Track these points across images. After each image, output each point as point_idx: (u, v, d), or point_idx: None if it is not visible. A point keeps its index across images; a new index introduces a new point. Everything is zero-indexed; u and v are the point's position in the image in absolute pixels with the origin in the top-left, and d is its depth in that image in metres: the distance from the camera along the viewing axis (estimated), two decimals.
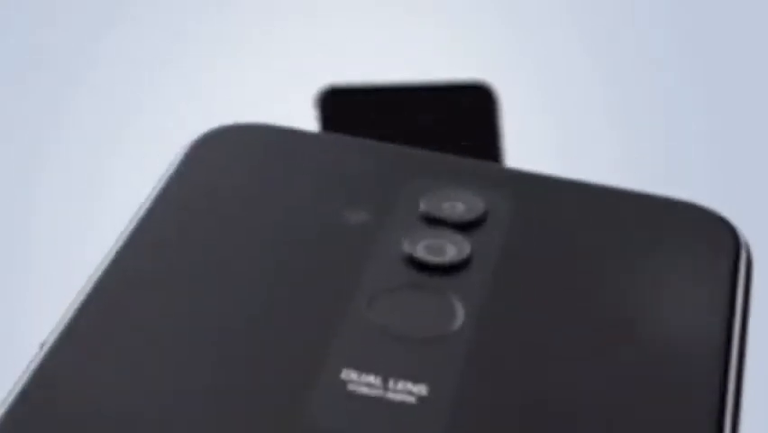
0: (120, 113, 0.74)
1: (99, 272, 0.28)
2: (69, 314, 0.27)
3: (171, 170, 0.32)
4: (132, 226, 0.30)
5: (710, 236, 0.31)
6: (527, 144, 0.70)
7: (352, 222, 0.30)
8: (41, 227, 0.72)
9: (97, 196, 0.73)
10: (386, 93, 0.52)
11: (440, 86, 0.52)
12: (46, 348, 0.26)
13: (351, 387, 0.26)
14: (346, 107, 0.50)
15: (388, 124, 0.51)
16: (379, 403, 0.25)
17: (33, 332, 0.71)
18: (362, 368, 0.26)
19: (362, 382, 0.26)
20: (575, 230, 0.31)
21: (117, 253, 0.29)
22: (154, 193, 0.31)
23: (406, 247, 0.30)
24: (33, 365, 0.26)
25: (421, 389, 0.26)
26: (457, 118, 0.53)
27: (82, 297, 0.28)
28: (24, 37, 0.74)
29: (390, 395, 0.26)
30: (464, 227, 0.30)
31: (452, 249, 0.30)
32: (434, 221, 0.31)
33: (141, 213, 0.30)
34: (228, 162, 0.33)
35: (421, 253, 0.29)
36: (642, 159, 0.76)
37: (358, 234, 0.30)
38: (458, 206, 0.31)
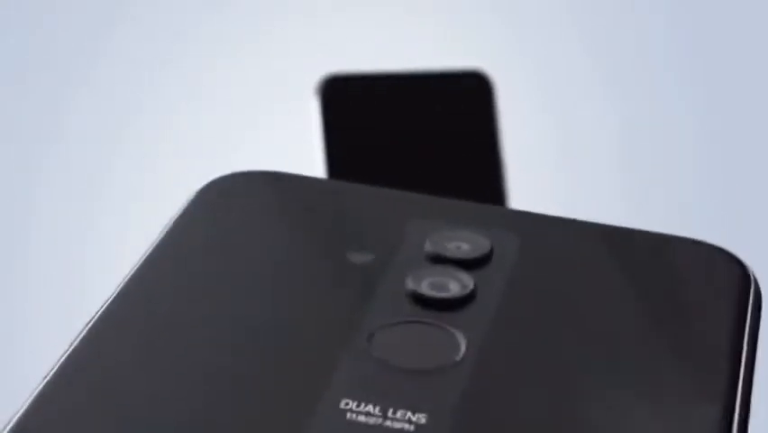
0: (120, 113, 0.74)
1: (96, 317, 0.29)
2: (62, 358, 0.27)
3: (177, 215, 0.32)
4: (134, 271, 0.30)
5: (720, 276, 0.31)
6: (525, 132, 0.70)
7: (357, 262, 0.31)
8: (41, 228, 0.72)
9: (97, 196, 0.73)
10: (385, 80, 0.52)
11: (438, 73, 0.53)
12: (37, 390, 0.26)
13: (350, 415, 0.26)
14: (347, 95, 0.51)
15: (388, 110, 0.52)
16: (378, 431, 0.26)
17: (34, 332, 0.71)
18: (362, 397, 0.26)
19: (361, 411, 0.26)
20: (582, 268, 0.31)
21: (119, 294, 0.29)
22: (159, 238, 0.31)
23: (410, 284, 0.30)
24: (23, 409, 0.26)
25: (420, 417, 0.26)
26: (455, 104, 0.53)
27: (76, 342, 0.28)
28: (24, 37, 0.74)
29: (389, 423, 0.26)
30: (469, 265, 0.31)
31: (455, 285, 0.30)
32: (438, 260, 0.31)
33: (145, 257, 0.31)
34: (234, 208, 0.33)
35: (425, 289, 0.30)
36: (640, 151, 0.76)
37: (363, 273, 0.30)
38: (463, 245, 0.31)
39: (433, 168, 0.54)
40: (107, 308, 0.29)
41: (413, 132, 0.54)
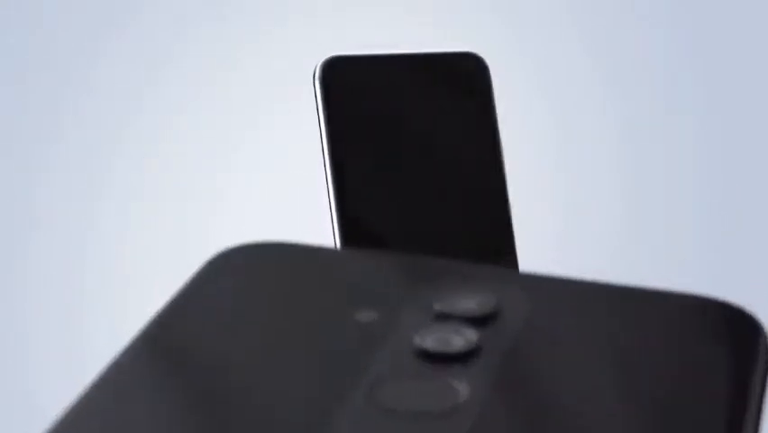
0: (120, 114, 0.74)
1: (93, 385, 0.29)
2: (56, 423, 0.27)
3: (185, 285, 0.32)
4: (137, 337, 0.30)
5: (732, 336, 0.31)
6: (521, 113, 0.70)
7: (363, 320, 0.31)
8: (41, 228, 0.72)
9: (97, 196, 0.73)
10: (384, 61, 0.54)
11: (434, 54, 0.55)
12: None
13: None
14: (347, 76, 0.53)
15: (387, 89, 0.54)
16: None
17: (34, 333, 0.71)
18: None
19: None
20: (590, 328, 0.31)
21: (118, 363, 0.29)
22: (166, 306, 0.32)
23: (416, 340, 0.30)
24: None
25: None
26: (451, 84, 0.55)
27: (69, 410, 0.28)
28: (25, 37, 0.74)
29: None
30: (475, 322, 0.31)
31: (460, 340, 0.30)
32: (445, 317, 0.31)
33: (148, 326, 0.31)
34: (242, 278, 0.33)
35: (429, 344, 0.30)
36: (639, 138, 0.76)
37: (368, 331, 0.30)
38: (470, 303, 0.32)
39: (430, 139, 0.55)
40: (103, 377, 0.29)
41: (412, 108, 0.55)
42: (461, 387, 0.28)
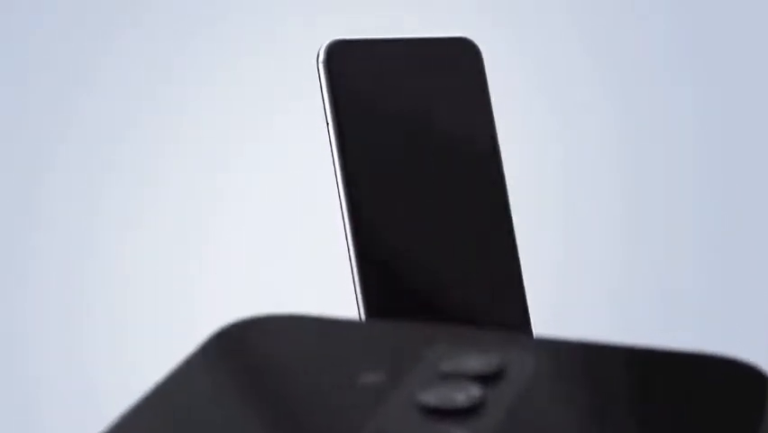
0: (120, 115, 0.74)
1: None
2: None
3: (191, 355, 0.33)
4: (139, 404, 0.30)
5: (740, 394, 0.31)
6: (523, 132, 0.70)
7: (370, 381, 0.31)
8: (41, 228, 0.72)
9: (97, 195, 0.73)
10: (384, 45, 0.57)
11: (431, 39, 0.58)
12: None
13: None
14: (350, 58, 0.55)
15: (387, 70, 0.56)
16: None
17: (33, 334, 0.71)
18: None
19: None
20: (595, 387, 0.31)
21: (118, 426, 0.30)
22: (169, 375, 0.32)
23: (421, 397, 0.30)
24: None
25: None
26: (448, 66, 0.58)
27: None
28: (27, 38, 0.74)
29: None
30: (481, 380, 0.31)
31: (464, 395, 0.30)
32: (451, 376, 0.31)
33: (153, 391, 0.31)
34: (250, 350, 0.34)
35: (433, 399, 0.30)
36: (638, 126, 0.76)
37: (374, 390, 0.31)
38: (476, 363, 0.32)
39: (429, 116, 0.58)
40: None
41: (411, 87, 0.58)
42: None
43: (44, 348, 0.69)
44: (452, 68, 0.57)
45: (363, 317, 0.52)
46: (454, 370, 0.31)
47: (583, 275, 0.72)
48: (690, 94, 0.76)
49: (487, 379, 0.31)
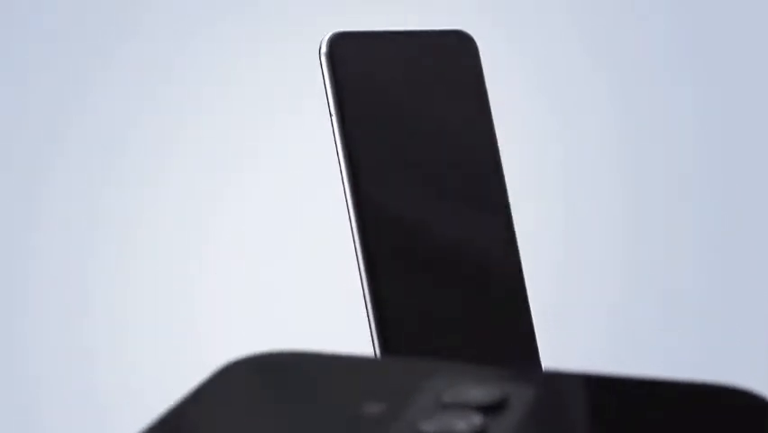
0: (120, 114, 0.74)
1: None
2: None
3: (193, 391, 0.33)
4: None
5: (746, 421, 0.31)
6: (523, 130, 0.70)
7: (371, 412, 0.31)
8: (41, 228, 0.72)
9: (97, 196, 0.73)
10: (384, 37, 0.58)
11: (430, 31, 0.59)
12: None
13: None
14: (352, 50, 0.56)
15: (388, 61, 0.57)
16: None
17: (33, 334, 0.71)
18: None
19: None
20: (597, 417, 0.31)
21: None
22: (171, 410, 0.32)
23: (421, 426, 0.30)
24: None
25: None
26: (446, 57, 0.59)
27: None
28: (28, 39, 0.74)
29: None
30: (482, 410, 0.31)
31: (464, 424, 0.30)
32: (453, 407, 0.31)
33: (156, 425, 0.31)
34: (254, 385, 0.34)
35: (434, 428, 0.30)
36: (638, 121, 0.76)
37: (376, 420, 0.31)
38: (478, 394, 0.32)
39: (429, 105, 0.59)
40: None
41: (411, 78, 0.59)
42: None
43: (44, 348, 0.69)
44: (451, 59, 0.58)
45: (373, 320, 0.52)
46: (455, 400, 0.31)
47: (583, 275, 0.72)
48: (690, 94, 0.76)
49: (488, 409, 0.31)
